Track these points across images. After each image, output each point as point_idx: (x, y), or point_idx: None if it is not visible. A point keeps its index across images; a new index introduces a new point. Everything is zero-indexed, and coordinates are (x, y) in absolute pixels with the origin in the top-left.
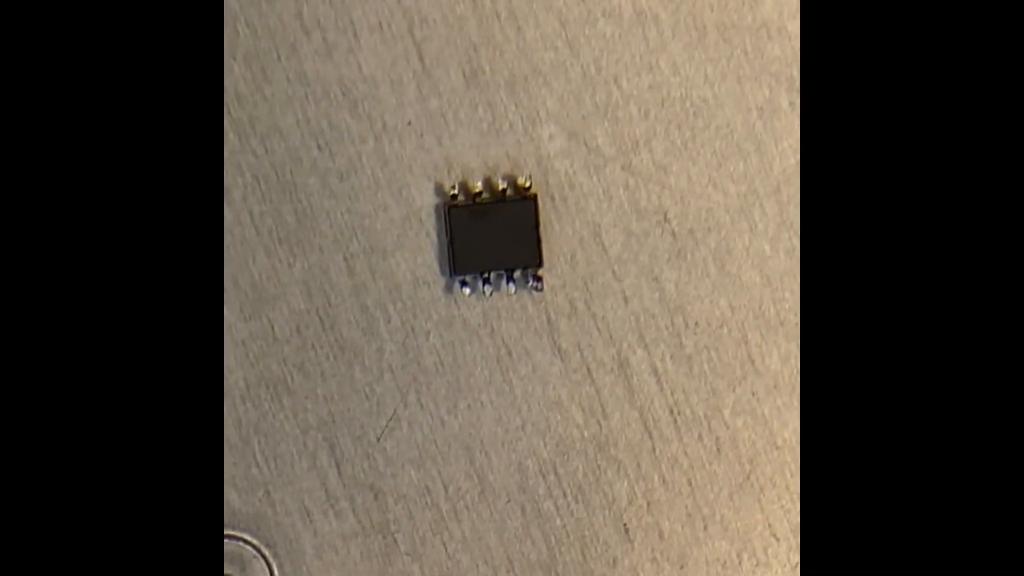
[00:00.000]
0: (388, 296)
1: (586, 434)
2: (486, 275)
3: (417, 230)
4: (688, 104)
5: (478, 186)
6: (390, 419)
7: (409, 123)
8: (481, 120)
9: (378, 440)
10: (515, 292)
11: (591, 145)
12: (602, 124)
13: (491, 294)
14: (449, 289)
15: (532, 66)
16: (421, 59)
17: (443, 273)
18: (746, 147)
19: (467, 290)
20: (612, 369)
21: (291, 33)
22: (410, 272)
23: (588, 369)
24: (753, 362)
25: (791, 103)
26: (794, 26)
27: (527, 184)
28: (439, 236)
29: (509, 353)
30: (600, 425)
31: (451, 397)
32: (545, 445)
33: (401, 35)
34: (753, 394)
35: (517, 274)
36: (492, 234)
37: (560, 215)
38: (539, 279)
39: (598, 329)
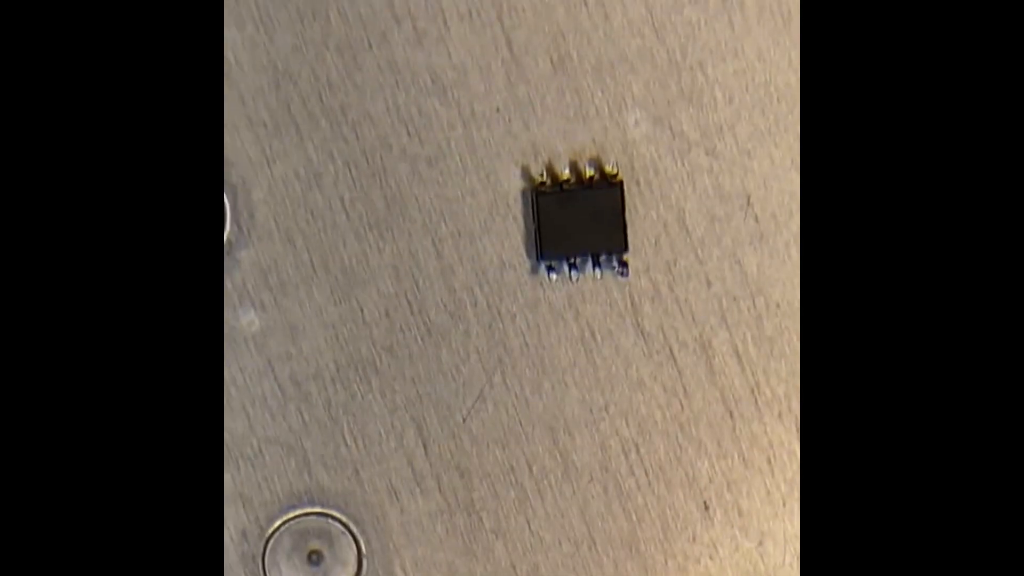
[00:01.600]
0: (475, 279)
1: (668, 414)
2: (572, 260)
3: (504, 215)
4: (772, 89)
5: (565, 172)
6: (476, 400)
7: (498, 110)
8: (568, 106)
9: (464, 421)
10: (600, 276)
11: (676, 130)
12: (687, 110)
13: (577, 279)
14: (535, 272)
15: (618, 52)
16: (509, 46)
17: (529, 257)
18: None
19: (553, 275)
20: (694, 350)
21: (382, 21)
22: (496, 256)
23: (671, 351)
24: None
25: None
26: None
27: (614, 171)
28: (526, 221)
29: (593, 335)
30: (682, 405)
31: (536, 378)
32: (628, 425)
33: (490, 23)
34: None
35: (602, 259)
36: (578, 219)
37: (645, 199)
38: (625, 264)
39: (681, 312)
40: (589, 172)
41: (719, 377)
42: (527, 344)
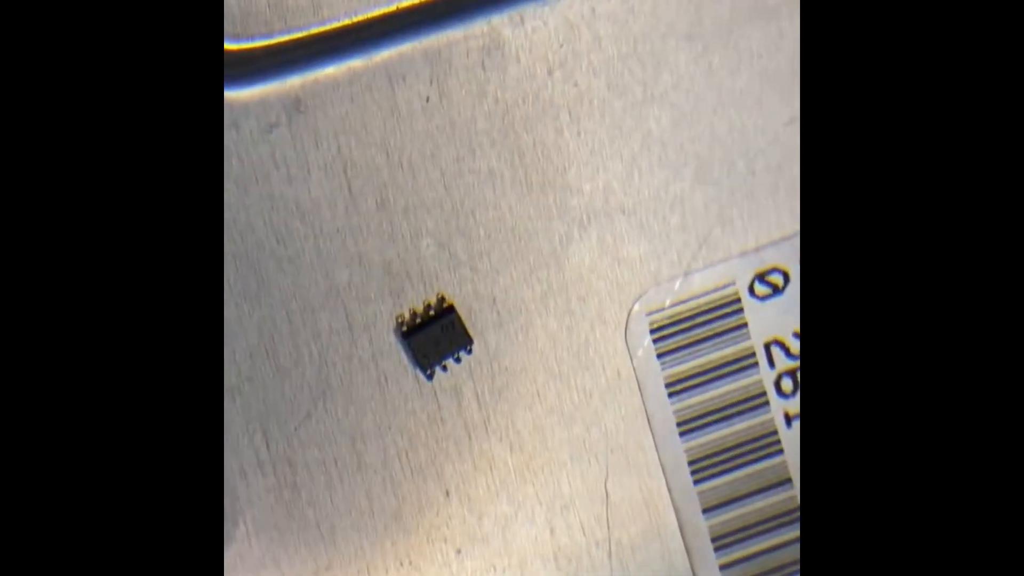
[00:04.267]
0: (313, 340)
1: (428, 434)
2: (440, 362)
3: (335, 299)
4: (518, 231)
5: (405, 313)
6: (304, 416)
7: (338, 230)
8: (384, 232)
9: (295, 429)
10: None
11: (452, 253)
12: (461, 240)
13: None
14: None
15: (420, 199)
16: (349, 189)
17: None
18: (548, 261)
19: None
20: (449, 393)
21: (266, 166)
22: (327, 326)
23: (435, 393)
24: (539, 395)
25: (579, 235)
26: (586, 187)
27: (449, 301)
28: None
29: (386, 380)
30: (438, 428)
31: (346, 405)
32: (401, 438)
33: (337, 173)
34: (537, 415)
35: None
36: (437, 337)
37: (428, 296)
38: (470, 351)
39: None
40: (431, 313)
41: (464, 412)
42: (342, 383)
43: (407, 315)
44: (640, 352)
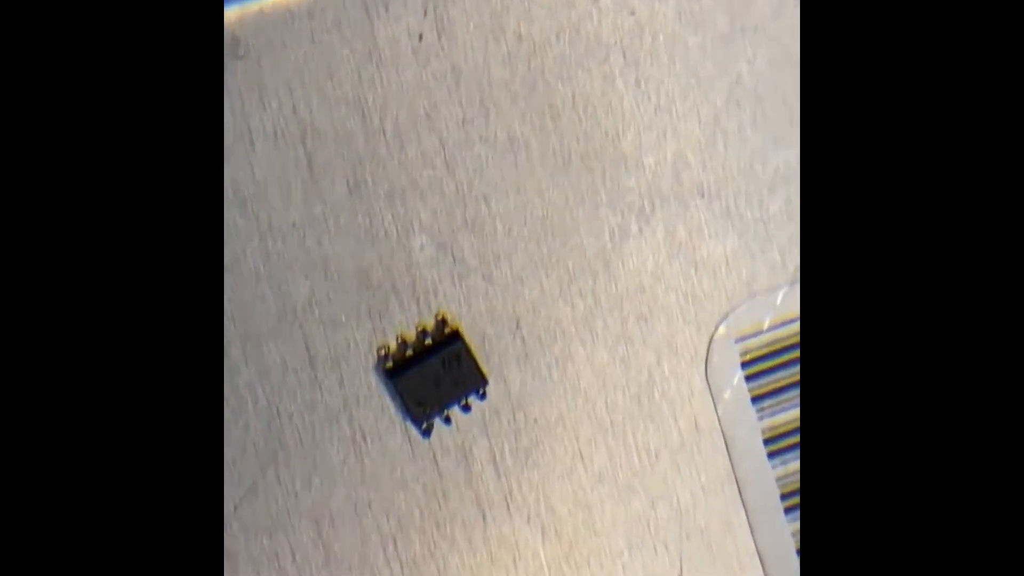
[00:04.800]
0: (257, 380)
1: (426, 512)
2: (442, 412)
3: (290, 322)
4: (548, 223)
5: (390, 345)
6: (247, 490)
7: (293, 224)
8: (359, 227)
9: (235, 509)
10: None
11: (457, 256)
12: (469, 238)
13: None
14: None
15: (410, 180)
16: (310, 167)
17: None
18: (595, 266)
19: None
20: (455, 456)
21: None
22: (280, 359)
23: (434, 455)
24: (582, 457)
25: (639, 229)
26: (649, 160)
27: (454, 324)
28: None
29: (364, 437)
30: (439, 504)
31: (307, 474)
32: (388, 520)
33: (294, 144)
34: (579, 485)
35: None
36: (436, 379)
37: (423, 316)
38: (484, 394)
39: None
40: (428, 341)
41: (476, 482)
42: (302, 442)
43: (393, 345)
44: (727, 394)
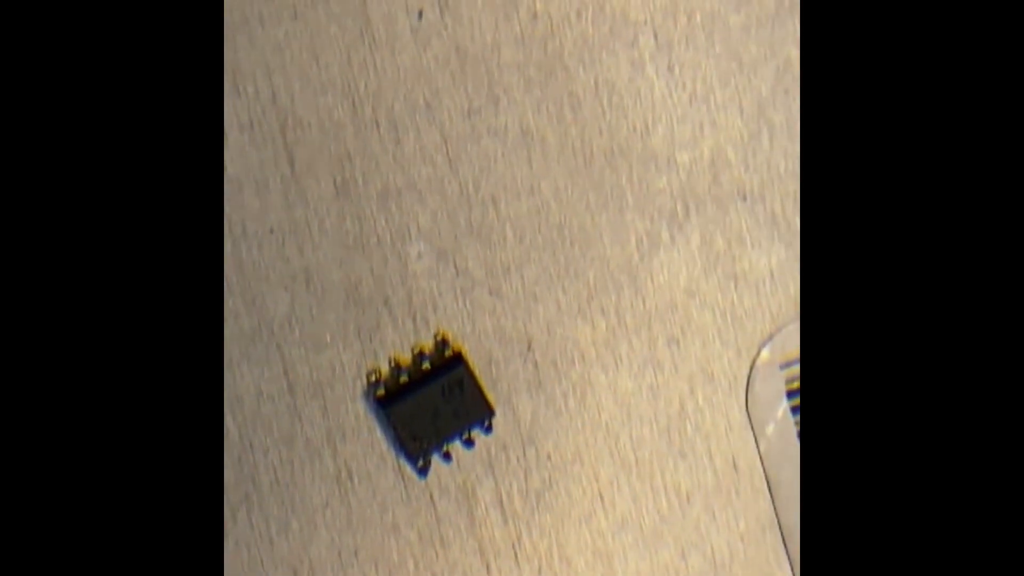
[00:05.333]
0: (227, 408)
1: (422, 563)
2: (441, 447)
3: (267, 342)
4: (566, 231)
5: (382, 370)
6: None
7: (271, 230)
8: (348, 233)
9: None
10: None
11: (460, 267)
12: (474, 246)
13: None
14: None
15: (407, 180)
16: (291, 163)
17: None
18: (620, 279)
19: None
20: (456, 498)
21: None
22: (254, 385)
23: (431, 496)
24: (603, 499)
25: (672, 237)
26: (683, 157)
27: (457, 346)
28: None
29: (351, 475)
30: (437, 554)
31: (284, 517)
32: (377, 571)
33: (272, 136)
34: (599, 532)
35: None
36: (434, 409)
37: (420, 333)
38: (490, 427)
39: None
40: (425, 365)
41: (479, 528)
42: (278, 480)
43: (386, 369)
44: (771, 429)
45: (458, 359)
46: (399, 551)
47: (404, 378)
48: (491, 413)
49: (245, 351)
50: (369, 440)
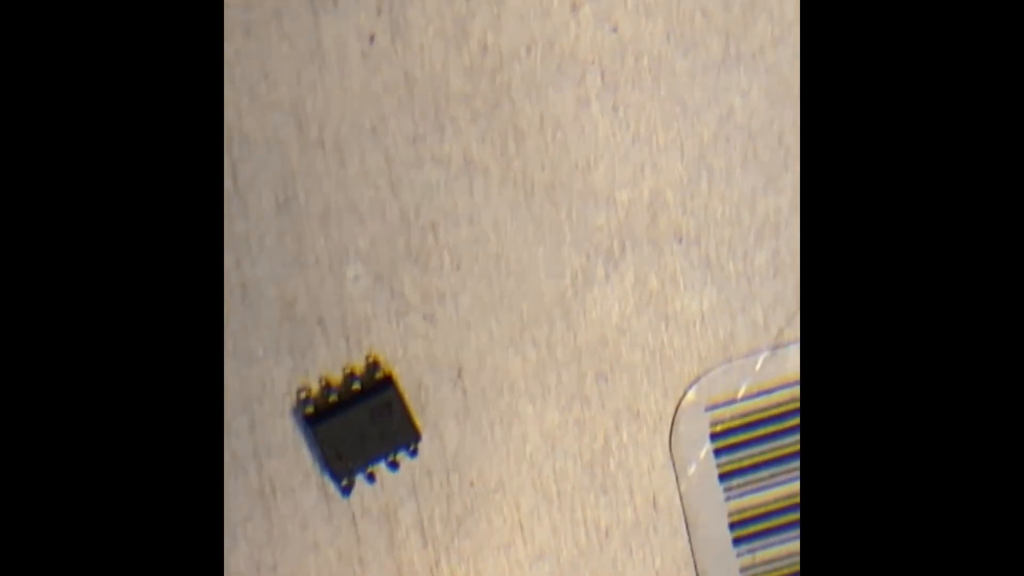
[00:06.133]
0: None
1: None
2: (365, 468)
3: None
4: (503, 262)
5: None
6: None
7: None
8: (286, 250)
9: None
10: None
11: (396, 291)
12: (411, 270)
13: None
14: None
15: (348, 201)
16: (234, 178)
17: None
18: (553, 313)
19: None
20: (377, 519)
21: None
22: None
23: (353, 516)
24: (523, 529)
25: (607, 273)
26: (622, 196)
27: (385, 370)
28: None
29: (274, 491)
30: (355, 574)
31: None
32: None
33: None
34: (516, 562)
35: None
36: (361, 430)
37: (352, 356)
38: (415, 450)
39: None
40: (355, 386)
41: (399, 550)
42: None
43: (316, 388)
44: (692, 469)
45: (388, 382)
46: (317, 569)
47: (333, 397)
48: (418, 437)
49: None
50: (295, 457)
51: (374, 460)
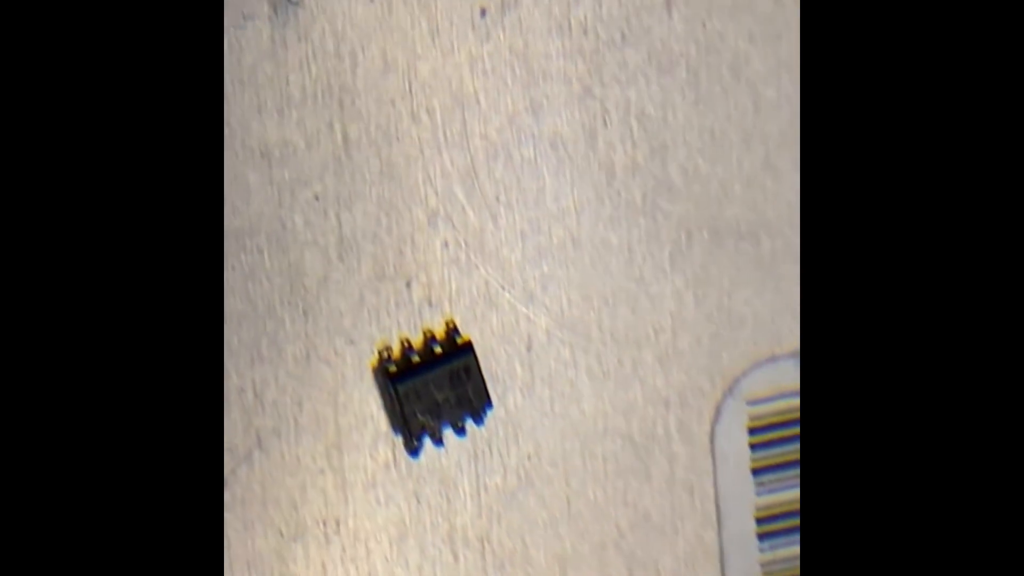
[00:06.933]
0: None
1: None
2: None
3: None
4: (579, 245)
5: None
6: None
7: (316, 198)
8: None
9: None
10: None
11: (475, 259)
12: (493, 240)
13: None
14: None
15: (444, 169)
16: (344, 137)
17: None
18: (618, 297)
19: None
20: (439, 483)
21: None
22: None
23: (417, 478)
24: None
25: (671, 263)
26: (695, 188)
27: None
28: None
29: (344, 447)
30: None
31: (280, 478)
32: (356, 546)
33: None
34: (558, 538)
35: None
36: (440, 393)
37: (433, 322)
38: (482, 420)
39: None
40: (437, 349)
41: (456, 516)
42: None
43: (396, 348)
44: (730, 462)
45: (468, 347)
46: (377, 529)
47: (416, 358)
48: (490, 404)
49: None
50: (369, 415)
51: (446, 424)
